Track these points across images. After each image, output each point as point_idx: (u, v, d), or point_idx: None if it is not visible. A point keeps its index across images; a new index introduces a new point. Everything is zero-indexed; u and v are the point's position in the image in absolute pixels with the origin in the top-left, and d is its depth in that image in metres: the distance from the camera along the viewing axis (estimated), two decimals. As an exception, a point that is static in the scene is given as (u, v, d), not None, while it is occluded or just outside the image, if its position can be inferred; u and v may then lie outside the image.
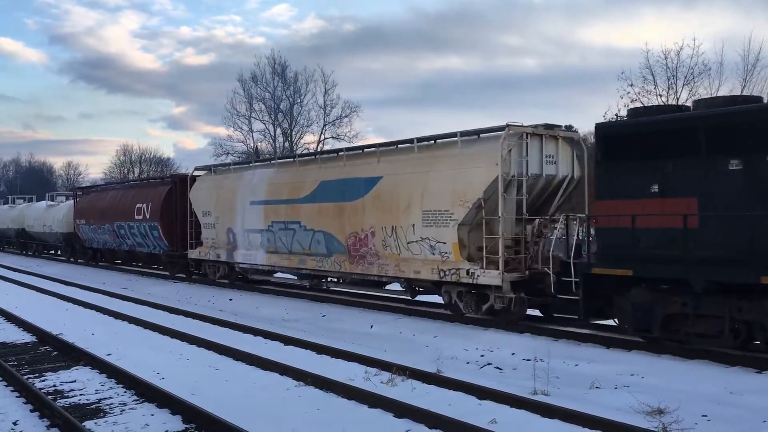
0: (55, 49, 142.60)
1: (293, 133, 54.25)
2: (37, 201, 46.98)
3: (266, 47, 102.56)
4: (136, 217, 26.85)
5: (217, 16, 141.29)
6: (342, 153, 18.30)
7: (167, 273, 27.36)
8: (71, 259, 36.64)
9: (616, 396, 9.03)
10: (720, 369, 10.22)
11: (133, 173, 79.01)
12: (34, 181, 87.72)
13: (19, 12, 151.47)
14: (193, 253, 23.79)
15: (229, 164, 24.23)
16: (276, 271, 20.82)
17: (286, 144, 53.98)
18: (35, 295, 21.77)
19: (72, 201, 36.64)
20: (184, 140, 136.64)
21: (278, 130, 54.40)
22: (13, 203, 49.11)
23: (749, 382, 9.54)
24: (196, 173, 24.81)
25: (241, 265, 21.49)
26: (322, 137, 53.57)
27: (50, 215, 37.85)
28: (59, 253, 40.84)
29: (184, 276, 25.75)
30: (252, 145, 54.63)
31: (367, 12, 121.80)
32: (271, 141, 54.50)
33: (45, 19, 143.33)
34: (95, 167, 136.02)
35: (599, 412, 7.82)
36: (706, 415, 8.08)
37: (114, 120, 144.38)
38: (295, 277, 20.35)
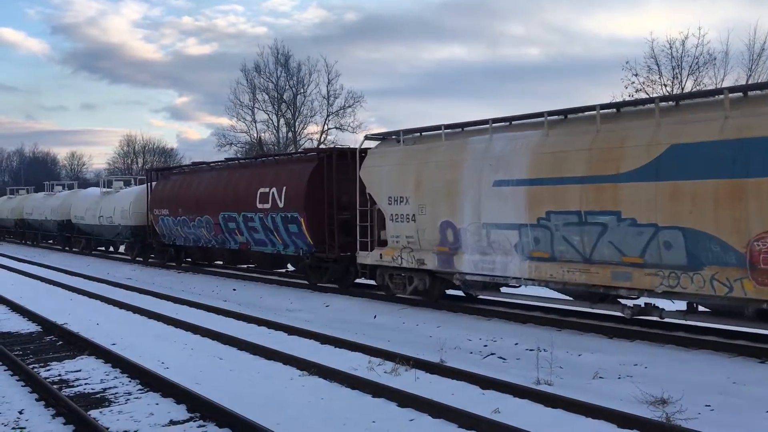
0: (57, 39, 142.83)
1: (296, 123, 54.28)
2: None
3: (268, 37, 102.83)
4: (260, 206, 19.63)
5: (219, 5, 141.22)
6: (721, 96, 10.78)
7: (304, 281, 19.94)
8: (138, 259, 29.63)
9: (619, 386, 9.05)
10: (723, 359, 10.22)
11: (137, 164, 79.14)
12: (38, 171, 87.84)
13: (20, 2, 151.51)
14: (367, 257, 16.62)
15: (438, 127, 15.44)
16: (530, 285, 13.65)
17: (290, 134, 54.01)
18: (40, 285, 21.83)
19: (141, 187, 29.66)
20: (186, 130, 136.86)
21: (281, 120, 54.44)
22: (51, 190, 42.35)
23: (752, 372, 9.54)
24: (367, 144, 17.42)
25: (468, 277, 14.42)
26: (326, 127, 53.61)
27: (110, 204, 30.52)
28: (112, 249, 35.21)
29: (335, 287, 18.76)
30: (255, 135, 54.72)
31: (369, 1, 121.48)
32: (274, 131, 54.57)
33: (46, 9, 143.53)
34: (99, 158, 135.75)
35: (602, 402, 7.84)
36: (709, 405, 8.09)
37: (116, 110, 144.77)
38: (570, 298, 13.45)
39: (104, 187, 34.33)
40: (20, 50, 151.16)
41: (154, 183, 27.17)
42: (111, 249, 35.50)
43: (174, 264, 26.64)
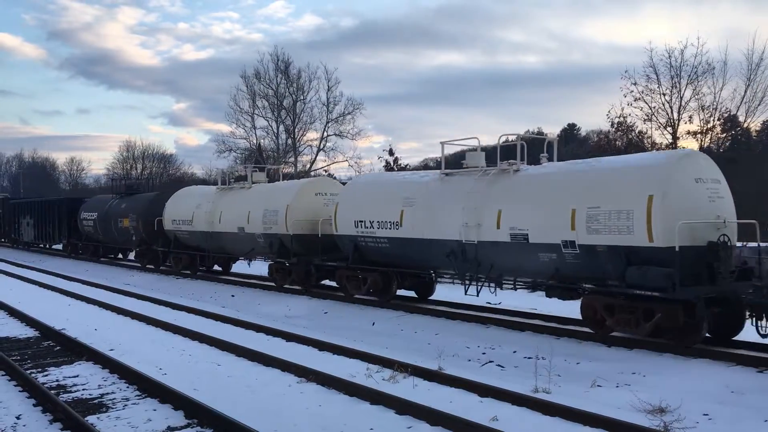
0: (53, 44, 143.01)
1: (296, 130, 54.33)
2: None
3: (264, 43, 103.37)
4: None
5: (214, 12, 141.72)
6: None
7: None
8: None
9: (617, 394, 9.04)
10: (721, 368, 10.21)
11: (136, 170, 79.10)
12: (37, 176, 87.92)
13: (17, 7, 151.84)
14: None
15: None
16: None
17: (289, 141, 54.06)
18: (38, 291, 21.80)
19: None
20: (184, 136, 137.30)
21: (281, 127, 54.49)
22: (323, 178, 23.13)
23: (750, 381, 9.54)
24: None
25: None
26: (325, 134, 53.66)
27: None
28: None
29: None
30: (255, 141, 54.75)
31: (364, 7, 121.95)
32: (273, 138, 54.62)
33: (43, 15, 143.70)
34: (97, 163, 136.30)
35: (600, 410, 7.84)
36: (707, 414, 8.09)
37: (113, 116, 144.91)
38: None
39: None
40: (17, 55, 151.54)
41: None
42: None
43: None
